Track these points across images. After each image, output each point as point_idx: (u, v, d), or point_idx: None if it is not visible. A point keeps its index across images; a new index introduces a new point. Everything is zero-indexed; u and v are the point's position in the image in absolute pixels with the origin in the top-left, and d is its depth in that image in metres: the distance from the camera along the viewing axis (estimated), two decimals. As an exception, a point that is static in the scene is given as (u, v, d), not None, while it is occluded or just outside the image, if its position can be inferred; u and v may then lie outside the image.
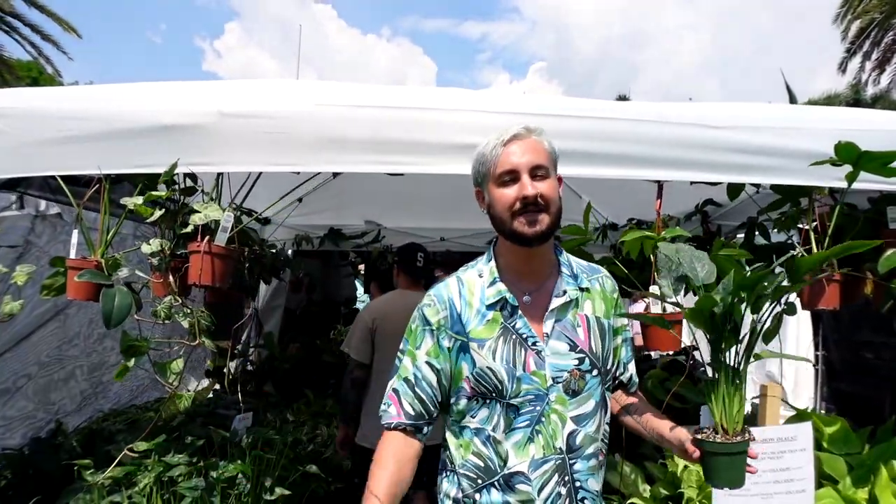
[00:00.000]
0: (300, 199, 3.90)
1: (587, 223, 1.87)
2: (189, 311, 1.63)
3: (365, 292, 6.49)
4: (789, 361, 5.08)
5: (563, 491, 1.26)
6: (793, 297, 2.36)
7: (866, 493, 2.05)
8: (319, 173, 1.98)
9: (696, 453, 1.19)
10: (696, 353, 3.72)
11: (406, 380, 1.35)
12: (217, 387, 3.65)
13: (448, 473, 1.38)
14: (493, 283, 1.32)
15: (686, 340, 1.89)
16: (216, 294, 2.92)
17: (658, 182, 1.84)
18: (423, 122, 1.67)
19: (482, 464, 1.29)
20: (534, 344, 1.27)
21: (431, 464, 2.64)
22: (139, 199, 1.62)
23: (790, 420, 2.19)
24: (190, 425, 2.44)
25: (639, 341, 2.39)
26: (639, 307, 4.89)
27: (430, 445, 2.73)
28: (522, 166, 1.25)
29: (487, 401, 1.28)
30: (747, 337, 1.24)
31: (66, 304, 2.60)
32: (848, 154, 1.61)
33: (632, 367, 1.46)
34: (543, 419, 1.26)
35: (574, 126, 1.71)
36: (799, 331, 4.89)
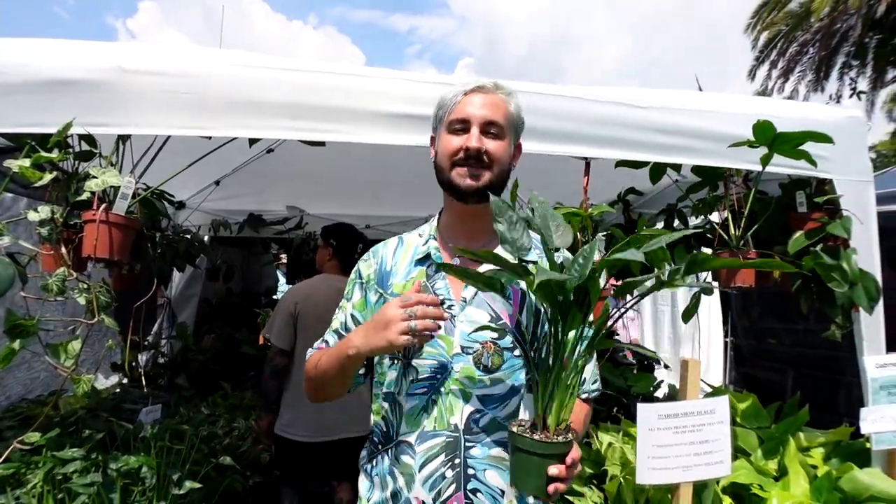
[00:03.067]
0: (217, 182, 3.72)
1: (514, 201, 1.85)
2: (86, 285, 1.46)
3: (288, 283, 6.23)
4: (702, 347, 5.36)
5: (450, 474, 1.14)
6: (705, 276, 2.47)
7: (776, 463, 2.16)
8: (232, 143, 1.84)
9: None
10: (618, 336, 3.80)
11: (336, 331, 1.30)
12: (125, 381, 3.40)
13: (367, 442, 1.31)
14: (427, 241, 1.27)
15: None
16: (123, 280, 2.70)
17: (585, 160, 1.84)
18: (346, 89, 1.59)
19: (385, 429, 1.22)
20: (449, 307, 1.18)
21: (354, 455, 2.57)
22: (26, 162, 1.44)
23: (707, 396, 2.26)
24: (90, 420, 2.24)
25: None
26: None
27: (355, 437, 2.66)
28: (476, 118, 1.19)
29: (395, 361, 1.21)
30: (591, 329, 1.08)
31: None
32: (764, 134, 1.67)
33: (589, 370, 1.31)
34: (442, 389, 1.16)
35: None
36: (710, 319, 5.18)
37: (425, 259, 1.25)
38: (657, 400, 3.20)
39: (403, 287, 1.22)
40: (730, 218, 1.95)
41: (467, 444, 1.14)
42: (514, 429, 1.03)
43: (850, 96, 14.30)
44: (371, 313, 1.24)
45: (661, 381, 3.45)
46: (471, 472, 1.14)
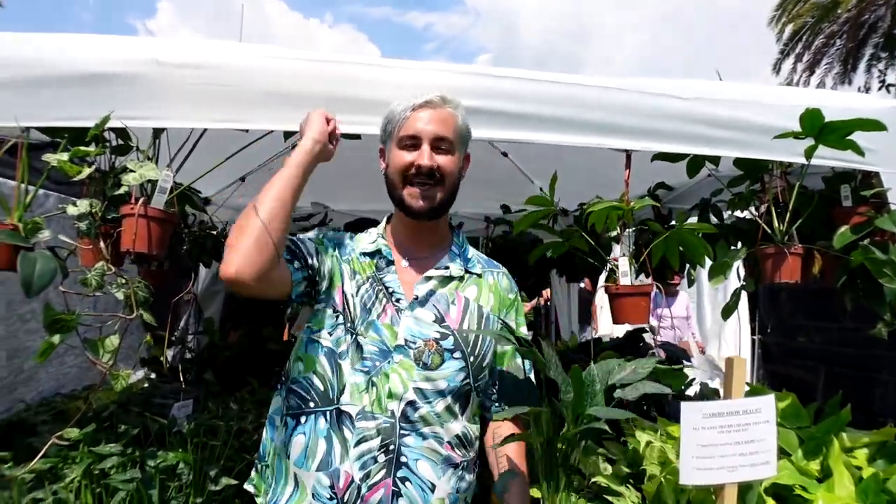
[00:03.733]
0: (243, 179, 3.72)
1: (553, 193, 1.81)
2: (124, 280, 1.46)
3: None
4: (729, 345, 5.27)
5: (382, 458, 1.16)
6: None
7: (818, 464, 2.10)
8: (263, 137, 1.82)
9: None
10: (647, 336, 3.77)
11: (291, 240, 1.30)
12: (153, 376, 3.42)
13: (279, 388, 1.30)
14: (376, 239, 1.33)
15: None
16: (152, 276, 2.71)
17: (626, 152, 1.79)
18: (384, 81, 1.56)
19: (322, 387, 1.21)
20: (398, 300, 1.24)
21: None
22: (64, 156, 1.44)
23: (749, 395, 2.21)
24: (123, 415, 2.25)
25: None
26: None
27: None
28: (426, 134, 1.23)
29: (344, 326, 1.23)
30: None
31: (-21, 283, 2.34)
32: (812, 123, 1.61)
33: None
34: (383, 374, 1.19)
35: (539, 90, 1.64)
36: (737, 317, 5.06)
37: (375, 253, 1.30)
38: (689, 398, 3.14)
39: (357, 267, 1.28)
40: (773, 212, 1.89)
41: (402, 432, 1.17)
42: None
43: (879, 89, 13.96)
44: (325, 254, 1.28)
45: (693, 379, 3.38)
46: (403, 459, 1.17)
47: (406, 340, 1.21)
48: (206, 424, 2.05)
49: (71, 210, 1.51)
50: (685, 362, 3.87)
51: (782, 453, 2.12)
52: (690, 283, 2.60)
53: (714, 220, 2.62)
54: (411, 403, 1.18)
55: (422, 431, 1.18)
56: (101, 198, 1.56)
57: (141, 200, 1.51)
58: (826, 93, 2.05)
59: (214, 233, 3.57)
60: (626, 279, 1.72)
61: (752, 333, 5.02)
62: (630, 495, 1.98)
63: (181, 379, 2.39)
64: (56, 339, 1.38)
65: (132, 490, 1.57)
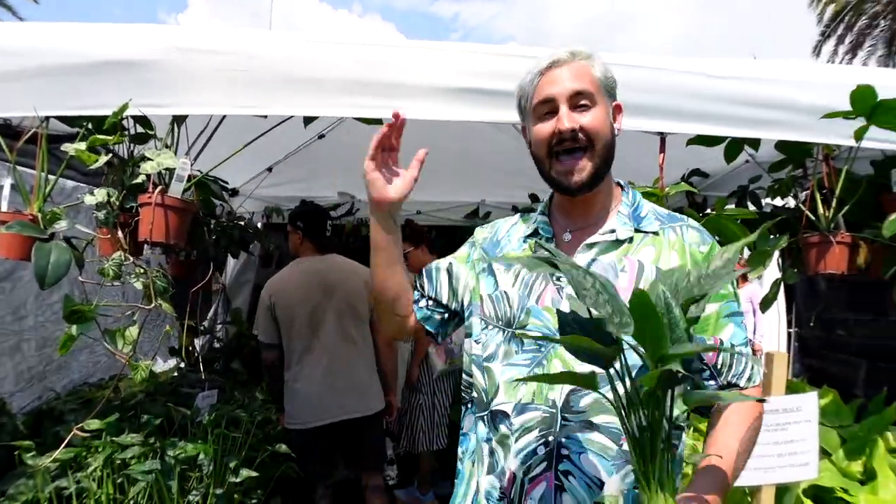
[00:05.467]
0: (270, 169, 3.72)
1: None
2: (143, 270, 1.44)
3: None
4: (764, 339, 5.10)
5: (542, 451, 1.06)
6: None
7: (860, 465, 2.00)
8: (283, 129, 1.78)
9: None
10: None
11: (427, 271, 1.31)
12: (182, 365, 3.45)
13: (465, 404, 1.26)
14: (536, 218, 1.22)
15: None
16: (180, 266, 2.72)
17: (661, 135, 1.70)
18: (407, 63, 1.50)
19: (477, 395, 1.17)
20: (558, 279, 1.10)
21: (354, 437, 2.51)
22: (82, 145, 1.42)
23: (789, 392, 2.11)
24: (149, 404, 2.26)
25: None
26: None
27: (352, 420, 2.68)
28: (560, 95, 1.08)
29: (494, 328, 1.15)
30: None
31: (12, 270, 2.36)
32: (864, 101, 1.50)
33: (742, 357, 1.08)
34: (545, 362, 1.08)
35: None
36: (774, 309, 4.89)
37: (534, 234, 1.19)
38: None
39: (514, 256, 1.18)
40: (818, 198, 1.78)
41: (563, 421, 1.06)
42: None
43: (926, 71, 13.39)
44: (470, 268, 1.25)
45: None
46: (564, 452, 1.05)
47: None
48: (229, 415, 2.03)
49: (88, 199, 1.49)
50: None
51: (822, 453, 2.02)
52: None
53: (752, 207, 2.51)
54: (576, 391, 1.06)
55: (587, 422, 1.05)
56: (119, 187, 1.54)
57: (158, 189, 1.48)
58: (877, 70, 1.91)
59: (242, 223, 3.57)
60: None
61: (789, 326, 4.85)
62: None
63: (202, 369, 2.38)
64: (74, 330, 1.37)
65: (152, 480, 1.56)
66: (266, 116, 1.56)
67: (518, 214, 1.30)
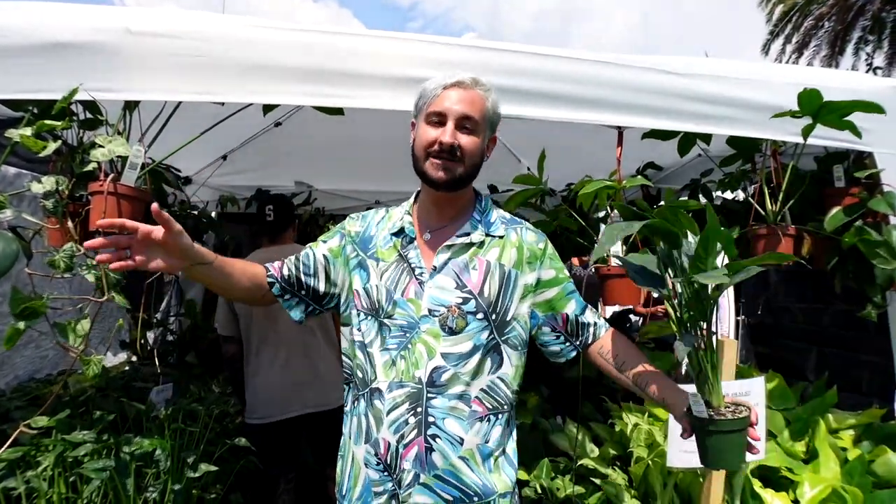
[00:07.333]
0: (224, 157, 3.63)
1: (542, 172, 1.76)
2: (94, 261, 1.38)
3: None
4: (713, 326, 5.26)
5: (412, 420, 1.27)
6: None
7: (804, 445, 2.10)
8: (240, 117, 1.73)
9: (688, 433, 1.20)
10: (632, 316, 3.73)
11: (297, 258, 1.42)
12: (134, 359, 3.35)
13: (347, 384, 1.45)
14: (403, 216, 1.40)
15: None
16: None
17: (619, 129, 1.74)
18: (362, 52, 1.50)
19: (361, 375, 1.36)
20: (419, 274, 1.32)
21: (315, 431, 2.50)
22: (27, 131, 1.35)
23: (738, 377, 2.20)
24: (101, 400, 2.18)
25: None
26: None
27: (313, 413, 2.64)
28: (452, 113, 1.27)
29: (369, 317, 1.34)
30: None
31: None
32: (810, 102, 1.57)
33: (590, 316, 1.42)
34: (410, 346, 1.29)
35: (533, 64, 1.59)
36: (728, 296, 5.06)
37: (400, 232, 1.37)
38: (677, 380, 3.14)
39: (385, 254, 1.36)
40: (766, 192, 1.85)
41: (429, 395, 1.27)
42: (706, 414, 1.10)
43: (866, 72, 13.99)
44: (343, 266, 1.40)
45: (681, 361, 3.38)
46: (431, 419, 1.27)
47: (430, 309, 1.29)
48: (186, 409, 1.99)
49: (35, 188, 1.42)
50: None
51: (769, 435, 2.11)
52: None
53: (703, 200, 2.59)
54: (437, 368, 1.27)
55: (447, 393, 1.27)
56: (68, 175, 1.48)
57: (111, 177, 1.43)
58: (824, 71, 2.00)
59: (196, 213, 3.48)
60: (616, 260, 1.68)
61: (737, 314, 5.02)
62: (616, 477, 1.97)
63: (157, 362, 2.31)
64: (21, 324, 1.31)
65: (106, 478, 1.52)
66: (223, 104, 1.52)
67: (385, 209, 1.47)
